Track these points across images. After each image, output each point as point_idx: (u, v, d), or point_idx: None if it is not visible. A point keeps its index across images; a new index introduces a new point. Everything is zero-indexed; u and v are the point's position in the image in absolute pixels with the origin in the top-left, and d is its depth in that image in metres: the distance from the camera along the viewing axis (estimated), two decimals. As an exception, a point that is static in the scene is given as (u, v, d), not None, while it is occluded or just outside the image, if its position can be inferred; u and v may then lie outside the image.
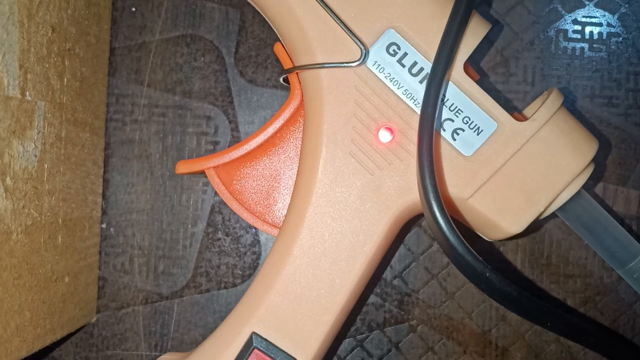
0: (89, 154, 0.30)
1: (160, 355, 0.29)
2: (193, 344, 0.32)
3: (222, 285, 0.32)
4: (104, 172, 0.32)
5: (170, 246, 0.32)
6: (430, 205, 0.22)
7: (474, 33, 0.24)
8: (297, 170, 0.26)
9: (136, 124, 0.32)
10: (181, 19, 0.32)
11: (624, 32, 0.31)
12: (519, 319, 0.31)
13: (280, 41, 0.27)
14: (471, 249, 0.22)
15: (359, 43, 0.24)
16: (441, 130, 0.24)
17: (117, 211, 0.32)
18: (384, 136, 0.24)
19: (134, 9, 0.32)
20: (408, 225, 0.31)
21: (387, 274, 0.32)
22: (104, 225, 0.32)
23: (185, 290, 0.32)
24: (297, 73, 0.26)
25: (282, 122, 0.27)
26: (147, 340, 0.32)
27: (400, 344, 0.32)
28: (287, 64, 0.26)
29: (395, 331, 0.32)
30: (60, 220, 0.27)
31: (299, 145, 0.27)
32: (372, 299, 0.32)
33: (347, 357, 0.32)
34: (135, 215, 0.32)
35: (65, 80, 0.27)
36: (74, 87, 0.28)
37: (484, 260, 0.22)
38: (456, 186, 0.24)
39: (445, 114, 0.24)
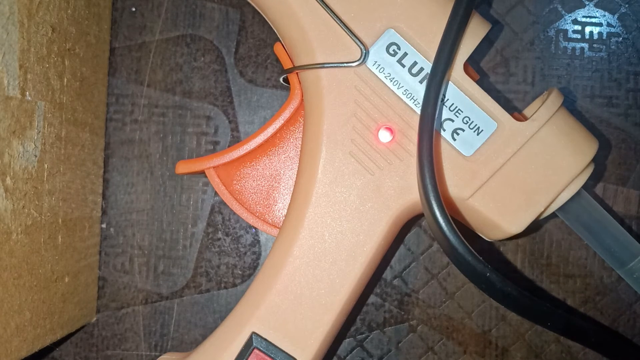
0: (89, 154, 0.30)
1: (160, 355, 0.29)
2: (193, 344, 0.32)
3: (222, 285, 0.32)
4: (104, 172, 0.32)
5: (170, 246, 0.32)
6: (430, 205, 0.22)
7: (474, 33, 0.24)
8: (297, 170, 0.26)
9: (136, 124, 0.32)
10: (181, 19, 0.32)
11: (624, 32, 0.31)
12: (519, 319, 0.31)
13: (280, 41, 0.27)
14: (471, 249, 0.22)
15: (359, 43, 0.24)
16: (441, 130, 0.24)
17: (117, 211, 0.32)
18: (384, 136, 0.24)
19: (134, 9, 0.32)
20: (408, 225, 0.31)
21: (387, 274, 0.32)
22: (104, 225, 0.32)
23: (185, 290, 0.32)
24: (297, 73, 0.26)
25: (282, 122, 0.27)
26: (147, 340, 0.32)
27: (400, 344, 0.32)
28: (287, 64, 0.26)
29: (395, 331, 0.32)
30: (60, 220, 0.27)
31: (299, 145, 0.27)
32: (372, 299, 0.32)
33: (347, 357, 0.32)
34: (135, 215, 0.32)
35: (65, 80, 0.27)
36: (74, 87, 0.28)
37: (484, 260, 0.22)
38: (456, 186, 0.24)
39: (445, 114, 0.24)
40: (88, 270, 0.30)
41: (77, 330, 0.31)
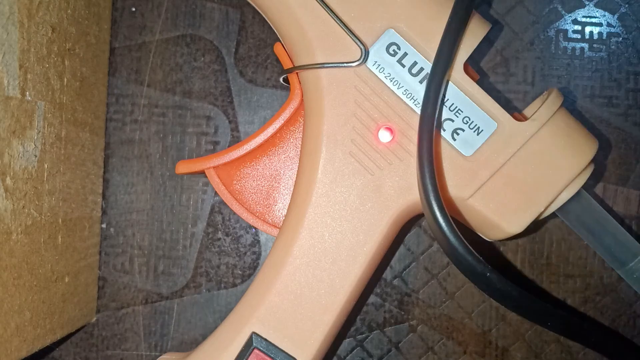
0: (89, 154, 0.30)
1: (160, 355, 0.29)
2: (193, 344, 0.32)
3: (222, 285, 0.32)
4: (104, 172, 0.32)
5: (170, 246, 0.32)
6: (430, 205, 0.22)
7: (474, 33, 0.24)
8: (297, 170, 0.26)
9: (136, 124, 0.32)
10: (181, 19, 0.32)
11: (624, 32, 0.31)
12: (519, 319, 0.31)
13: (280, 41, 0.27)
14: (471, 248, 0.22)
15: (359, 43, 0.24)
16: (441, 130, 0.24)
17: (117, 211, 0.32)
18: (384, 136, 0.24)
19: (134, 9, 0.32)
20: (408, 225, 0.31)
21: (387, 274, 0.32)
22: (103, 225, 0.32)
23: (185, 290, 0.32)
24: (297, 73, 0.26)
25: (282, 122, 0.27)
26: (147, 340, 0.32)
27: (400, 344, 0.32)
28: (287, 64, 0.26)
29: (395, 331, 0.32)
30: (60, 220, 0.27)
31: (299, 145, 0.27)
32: (372, 299, 0.32)
33: (347, 357, 0.32)
34: (135, 215, 0.32)
35: (65, 80, 0.27)
36: (74, 87, 0.28)
37: (484, 260, 0.22)
38: (456, 186, 0.24)
39: (445, 114, 0.24)
40: (88, 270, 0.30)
41: (77, 330, 0.31)
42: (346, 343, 0.32)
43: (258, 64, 0.32)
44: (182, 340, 0.32)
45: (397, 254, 0.32)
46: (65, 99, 0.27)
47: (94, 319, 0.32)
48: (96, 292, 0.32)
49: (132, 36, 0.32)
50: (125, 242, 0.32)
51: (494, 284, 0.22)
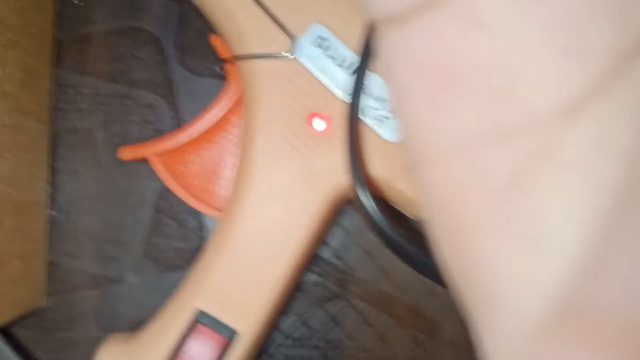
0: (35, 142, 0.30)
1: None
2: (142, 325, 0.33)
3: (170, 268, 0.33)
4: (51, 160, 0.32)
5: (118, 231, 0.33)
6: (356, 186, 0.24)
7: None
8: (240, 156, 0.27)
9: (81, 112, 0.32)
10: (122, 11, 0.32)
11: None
12: (447, 292, 0.33)
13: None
14: (393, 225, 0.24)
15: (290, 36, 0.25)
16: (367, 118, 0.26)
17: (64, 197, 0.32)
18: (317, 124, 0.26)
19: (76, 1, 0.32)
20: (344, 206, 0.33)
21: (325, 253, 0.33)
22: (51, 212, 0.32)
23: (133, 273, 0.33)
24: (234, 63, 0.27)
25: (225, 109, 0.28)
26: (97, 322, 0.32)
27: (339, 319, 0.33)
28: (224, 54, 0.28)
29: (334, 307, 0.33)
30: (7, 205, 0.28)
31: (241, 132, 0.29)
32: (312, 277, 0.33)
33: (289, 332, 0.33)
34: (83, 202, 0.32)
35: (8, 69, 0.27)
36: (18, 76, 0.28)
37: (415, 238, 0.24)
38: (380, 169, 0.26)
39: (372, 103, 0.26)
40: (37, 255, 0.31)
41: (28, 314, 0.32)
42: (288, 319, 0.33)
43: (198, 54, 0.33)
44: (131, 321, 0.33)
45: (333, 233, 0.33)
46: (10, 88, 0.27)
47: (45, 302, 0.32)
48: (46, 276, 0.32)
49: (76, 27, 0.32)
50: (74, 228, 0.32)
51: (418, 259, 0.24)
